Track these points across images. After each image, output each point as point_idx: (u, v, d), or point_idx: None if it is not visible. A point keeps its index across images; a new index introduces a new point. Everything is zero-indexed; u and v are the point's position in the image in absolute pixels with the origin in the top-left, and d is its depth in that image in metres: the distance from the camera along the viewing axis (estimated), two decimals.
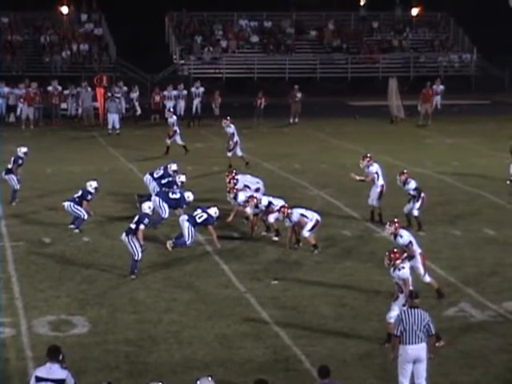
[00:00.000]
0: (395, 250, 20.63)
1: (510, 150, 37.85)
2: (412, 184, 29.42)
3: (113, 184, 36.52)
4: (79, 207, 29.32)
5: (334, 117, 56.26)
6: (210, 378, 14.11)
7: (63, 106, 57.29)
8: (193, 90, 58.34)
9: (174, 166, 33.19)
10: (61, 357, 15.67)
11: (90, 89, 57.12)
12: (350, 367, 18.50)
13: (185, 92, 58.42)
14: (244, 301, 23.03)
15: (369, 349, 19.67)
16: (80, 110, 57.36)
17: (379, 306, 21.88)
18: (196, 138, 48.92)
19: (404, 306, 19.12)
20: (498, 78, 69.65)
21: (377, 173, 31.03)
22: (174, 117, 45.40)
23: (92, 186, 29.85)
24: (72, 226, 29.69)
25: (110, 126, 52.46)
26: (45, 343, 19.11)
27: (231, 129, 41.39)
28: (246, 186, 31.98)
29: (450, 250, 27.77)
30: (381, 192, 30.88)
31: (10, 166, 33.85)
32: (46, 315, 22.13)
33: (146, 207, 26.43)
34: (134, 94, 58.02)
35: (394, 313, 19.45)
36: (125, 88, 57.99)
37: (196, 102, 57.92)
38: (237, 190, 30.57)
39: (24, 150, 34.26)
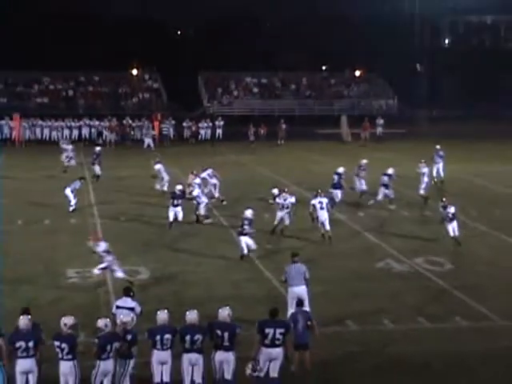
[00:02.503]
0: None
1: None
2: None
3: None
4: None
5: (306, 140, 56.10)
6: (227, 307, 14.04)
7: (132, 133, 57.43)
8: (216, 123, 58.57)
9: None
10: (132, 293, 15.79)
11: (148, 122, 57.42)
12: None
13: (211, 124, 58.63)
14: (248, 258, 23.07)
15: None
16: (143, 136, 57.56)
17: None
18: (217, 153, 48.95)
19: None
20: (411, 115, 69.60)
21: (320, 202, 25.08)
22: None
23: (178, 188, 27.06)
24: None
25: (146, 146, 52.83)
26: (122, 284, 19.16)
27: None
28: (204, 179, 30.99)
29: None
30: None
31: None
32: (123, 266, 22.18)
33: (248, 213, 22.90)
34: (188, 124, 58.30)
35: None
36: (173, 121, 58.10)
37: (218, 130, 58.24)
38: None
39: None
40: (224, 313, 13.84)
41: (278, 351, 13.89)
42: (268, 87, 71.84)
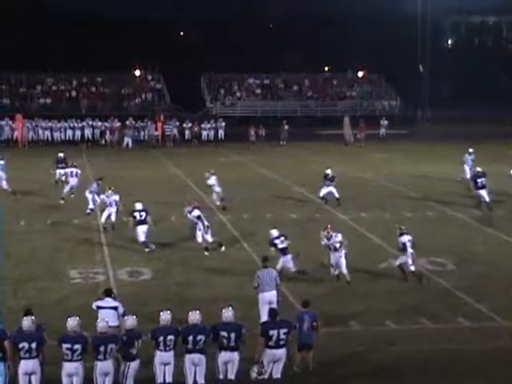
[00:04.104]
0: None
1: None
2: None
3: (165, 182, 36.55)
4: None
5: (308, 141, 56.14)
6: (230, 308, 14.00)
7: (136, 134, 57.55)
8: (218, 124, 58.70)
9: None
10: (112, 294, 15.73)
11: (151, 123, 57.59)
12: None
13: (214, 125, 58.75)
14: (250, 259, 23.03)
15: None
16: (146, 137, 57.65)
17: None
18: (220, 155, 48.98)
19: None
20: (413, 116, 69.64)
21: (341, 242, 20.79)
22: None
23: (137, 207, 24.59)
24: None
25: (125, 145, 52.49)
26: (124, 285, 19.18)
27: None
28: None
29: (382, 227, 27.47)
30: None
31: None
32: (125, 267, 22.21)
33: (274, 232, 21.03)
34: (188, 125, 58.42)
35: None
36: (177, 123, 58.26)
37: (220, 131, 58.35)
38: None
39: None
40: (228, 313, 13.79)
41: (282, 352, 13.87)
42: (270, 88, 71.83)
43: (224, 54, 70.79)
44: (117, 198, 26.59)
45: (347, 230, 26.19)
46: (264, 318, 15.95)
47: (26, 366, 13.16)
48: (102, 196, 27.44)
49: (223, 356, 13.66)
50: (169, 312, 13.86)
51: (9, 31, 67.73)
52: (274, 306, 16.29)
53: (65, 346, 13.13)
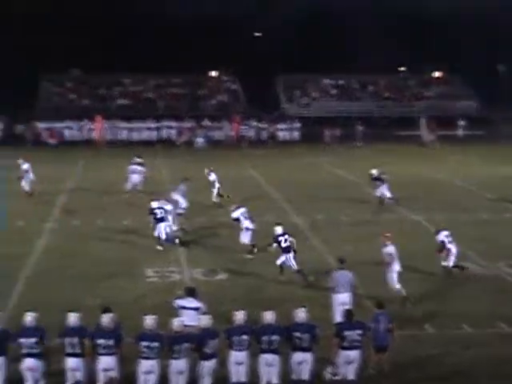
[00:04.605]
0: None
1: None
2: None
3: (238, 184, 36.70)
4: None
5: (384, 142, 55.76)
6: (303, 308, 14.00)
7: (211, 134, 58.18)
8: (293, 124, 58.90)
9: None
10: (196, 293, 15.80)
11: (228, 123, 58.07)
12: None
13: (289, 126, 58.95)
14: (322, 259, 22.98)
15: None
16: (222, 137, 58.18)
17: None
18: (295, 156, 48.94)
19: None
20: (492, 117, 68.33)
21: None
22: None
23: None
24: None
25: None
26: (199, 284, 19.35)
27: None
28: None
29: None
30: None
31: None
32: (200, 267, 22.42)
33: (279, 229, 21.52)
34: (264, 125, 58.77)
35: None
36: (255, 123, 58.62)
37: (296, 132, 58.56)
38: None
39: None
40: (301, 314, 13.84)
41: (356, 353, 13.86)
42: (346, 89, 71.55)
43: (299, 55, 70.71)
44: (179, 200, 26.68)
45: (420, 231, 26.02)
46: (338, 319, 15.93)
47: (104, 362, 13.43)
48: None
49: (296, 357, 13.70)
50: (243, 312, 13.97)
51: (88, 33, 68.92)
52: (348, 307, 16.28)
53: (143, 343, 13.36)
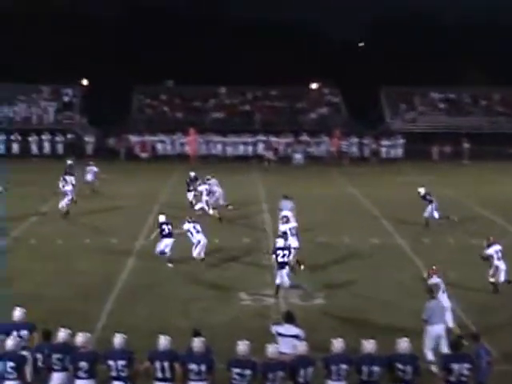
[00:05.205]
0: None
1: None
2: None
3: (338, 202, 36.60)
4: None
5: (496, 160, 54.66)
6: (406, 339, 13.70)
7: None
8: (396, 140, 58.49)
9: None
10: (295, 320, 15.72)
11: (328, 138, 58.07)
12: None
13: (393, 142, 58.54)
14: None
15: None
16: (322, 153, 58.24)
17: None
18: (399, 174, 48.54)
19: None
20: None
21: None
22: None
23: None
24: None
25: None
26: (295, 309, 19.29)
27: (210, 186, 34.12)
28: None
29: None
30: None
31: None
32: (297, 290, 22.37)
33: (280, 242, 22.53)
34: (366, 141, 58.56)
35: None
36: (356, 139, 58.45)
37: (400, 149, 58.15)
38: None
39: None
40: (404, 344, 13.68)
41: None
42: (455, 103, 70.52)
43: (404, 66, 70.19)
44: None
45: None
46: (429, 353, 15.99)
47: None
48: None
49: None
50: (341, 340, 13.86)
51: (183, 45, 70.09)
52: (443, 340, 16.15)
53: (235, 370, 13.38)
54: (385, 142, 58.69)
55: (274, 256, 21.97)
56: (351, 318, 19.85)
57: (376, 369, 13.45)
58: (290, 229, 24.94)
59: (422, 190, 31.93)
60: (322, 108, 68.23)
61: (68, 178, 35.70)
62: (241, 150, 58.68)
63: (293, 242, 24.25)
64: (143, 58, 68.43)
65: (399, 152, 58.31)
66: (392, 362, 13.52)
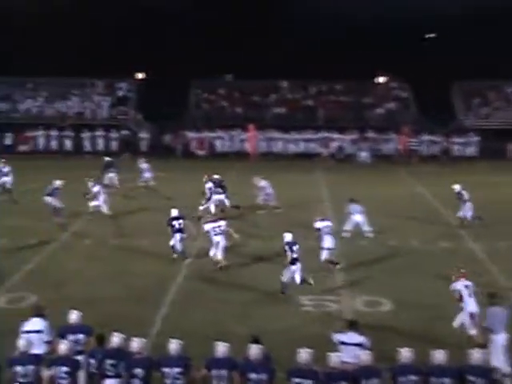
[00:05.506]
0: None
1: None
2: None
3: (405, 203, 36.36)
4: None
5: None
6: (478, 349, 13.65)
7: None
8: (470, 138, 57.96)
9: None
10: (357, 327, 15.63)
11: (396, 136, 57.68)
12: None
13: (466, 140, 58.01)
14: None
15: None
16: (390, 151, 57.88)
17: None
18: (472, 173, 48.03)
19: None
20: None
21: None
22: None
23: None
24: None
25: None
26: (360, 316, 19.23)
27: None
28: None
29: None
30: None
31: None
32: (362, 296, 22.27)
33: (288, 236, 23.05)
34: (437, 139, 58.13)
35: None
36: (427, 136, 58.04)
37: (473, 147, 57.57)
38: None
39: None
40: (477, 355, 13.54)
41: None
42: None
43: (479, 59, 69.39)
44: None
45: None
46: (499, 364, 15.69)
47: None
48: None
49: None
50: (409, 349, 13.76)
51: (245, 37, 70.22)
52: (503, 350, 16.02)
53: (295, 380, 13.35)
54: (457, 140, 58.10)
55: (289, 253, 22.14)
56: (419, 327, 19.68)
57: (447, 380, 13.32)
58: (324, 227, 25.03)
59: (457, 187, 31.62)
60: (390, 103, 67.79)
61: (107, 175, 36.62)
62: (303, 147, 58.60)
63: (327, 241, 24.60)
64: (202, 51, 68.64)
65: (472, 150, 57.70)
66: (463, 373, 13.38)
